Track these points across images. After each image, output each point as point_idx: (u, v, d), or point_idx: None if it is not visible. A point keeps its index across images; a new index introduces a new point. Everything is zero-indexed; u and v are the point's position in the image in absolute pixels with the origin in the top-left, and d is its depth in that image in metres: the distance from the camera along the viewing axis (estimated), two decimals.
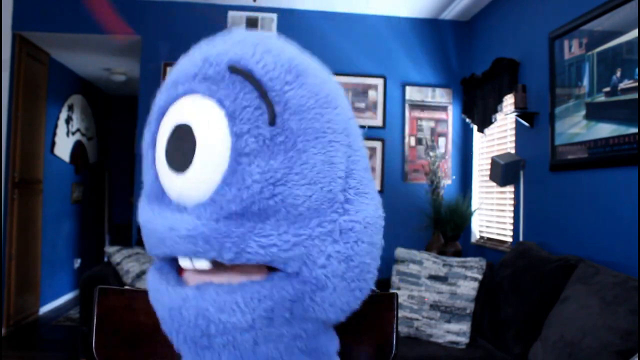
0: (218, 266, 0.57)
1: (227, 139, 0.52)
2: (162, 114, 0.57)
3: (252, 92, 0.53)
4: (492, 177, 3.01)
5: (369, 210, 0.60)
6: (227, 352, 0.55)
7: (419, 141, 3.94)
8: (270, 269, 0.56)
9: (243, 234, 0.52)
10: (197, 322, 0.54)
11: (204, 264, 0.55)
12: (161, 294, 0.57)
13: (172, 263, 0.61)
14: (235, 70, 0.54)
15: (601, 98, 2.27)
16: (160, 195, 0.57)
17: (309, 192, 0.54)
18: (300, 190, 0.53)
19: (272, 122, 0.53)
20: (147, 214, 0.59)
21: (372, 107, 3.89)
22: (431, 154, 3.69)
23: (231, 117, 0.52)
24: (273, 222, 0.53)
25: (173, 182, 0.55)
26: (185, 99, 0.55)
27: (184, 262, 0.56)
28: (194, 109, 0.54)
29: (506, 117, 3.25)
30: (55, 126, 4.79)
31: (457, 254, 3.33)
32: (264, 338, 0.55)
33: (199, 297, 0.54)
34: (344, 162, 0.57)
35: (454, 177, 3.93)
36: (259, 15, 3.83)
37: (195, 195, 0.53)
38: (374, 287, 0.63)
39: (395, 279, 2.62)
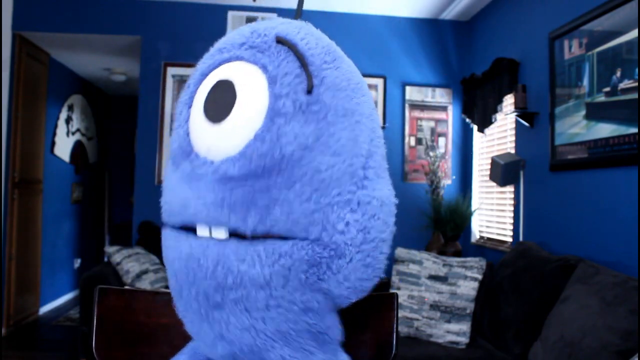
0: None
1: (265, 98, 0.55)
2: (204, 76, 0.61)
3: (294, 62, 0.57)
4: (492, 177, 3.01)
5: (385, 191, 0.63)
6: (237, 314, 0.56)
7: (419, 141, 3.94)
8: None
9: (267, 203, 0.54)
10: (215, 270, 0.55)
11: (222, 234, 0.56)
12: (180, 243, 0.59)
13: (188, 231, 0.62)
14: (282, 41, 0.58)
15: (601, 98, 2.27)
16: (189, 151, 0.59)
17: (332, 161, 0.57)
18: (325, 158, 0.56)
19: (309, 90, 0.56)
20: (172, 180, 0.61)
21: None
22: (431, 154, 3.69)
23: (272, 79, 0.56)
24: (298, 187, 0.55)
25: (206, 133, 0.57)
26: (230, 64, 0.59)
27: (202, 231, 0.57)
28: (238, 70, 0.58)
29: (506, 117, 3.25)
30: (55, 126, 4.79)
31: (457, 254, 3.33)
32: (276, 301, 0.56)
33: (221, 245, 0.55)
34: (366, 143, 0.61)
35: (454, 177, 3.93)
36: (259, 15, 3.83)
37: (226, 148, 0.55)
38: (383, 275, 0.65)
39: (395, 279, 2.62)
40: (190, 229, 0.59)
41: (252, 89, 0.56)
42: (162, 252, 0.63)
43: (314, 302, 0.58)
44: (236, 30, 0.63)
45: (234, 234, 0.56)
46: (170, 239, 0.61)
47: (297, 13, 0.71)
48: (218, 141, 0.56)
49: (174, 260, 0.60)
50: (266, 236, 0.56)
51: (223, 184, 0.55)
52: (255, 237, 0.56)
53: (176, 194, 0.60)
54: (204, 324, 0.58)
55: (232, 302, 0.56)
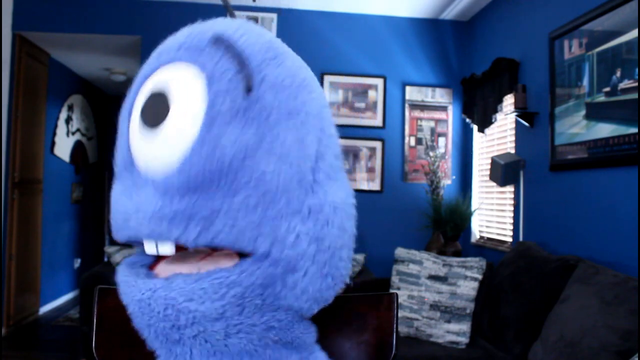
0: (186, 255, 0.56)
1: (202, 102, 0.52)
2: (142, 83, 0.58)
3: (231, 61, 0.54)
4: (492, 177, 3.01)
5: (339, 195, 0.59)
6: (199, 346, 0.55)
7: (419, 141, 3.94)
8: (242, 257, 0.55)
9: (209, 214, 0.51)
10: (166, 312, 0.53)
11: (168, 249, 0.54)
12: (130, 287, 0.56)
13: (143, 257, 0.60)
14: (218, 39, 0.55)
15: (601, 98, 2.27)
16: (129, 166, 0.57)
17: (277, 166, 0.53)
18: (270, 163, 0.53)
19: (248, 90, 0.53)
20: (115, 194, 0.59)
21: (372, 107, 3.89)
22: (431, 154, 3.69)
23: (209, 81, 0.52)
24: (241, 196, 0.51)
25: (144, 143, 0.54)
26: (167, 67, 0.56)
27: (149, 247, 0.55)
28: (174, 73, 0.54)
29: (506, 117, 3.25)
30: (55, 126, 4.79)
31: (457, 254, 3.33)
32: (236, 329, 0.54)
33: (166, 286, 0.53)
34: (315, 144, 0.57)
35: (454, 177, 3.93)
36: (259, 15, 3.83)
37: (164, 157, 0.52)
38: (348, 280, 0.62)
39: (395, 279, 2.62)
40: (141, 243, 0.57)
41: (188, 94, 0.52)
42: (119, 289, 0.61)
43: (275, 321, 0.56)
44: (176, 34, 0.60)
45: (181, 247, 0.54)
46: (122, 285, 0.59)
47: (229, 11, 0.69)
48: (156, 151, 0.53)
49: (128, 302, 0.58)
50: (202, 250, 0.53)
51: (162, 195, 0.52)
52: (202, 261, 0.54)
53: (118, 207, 0.57)
54: (169, 355, 0.57)
55: (190, 337, 0.54)
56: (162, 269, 0.58)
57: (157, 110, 0.53)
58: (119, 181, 0.59)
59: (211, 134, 0.51)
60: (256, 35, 0.58)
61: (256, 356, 0.56)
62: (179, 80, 0.53)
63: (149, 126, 0.53)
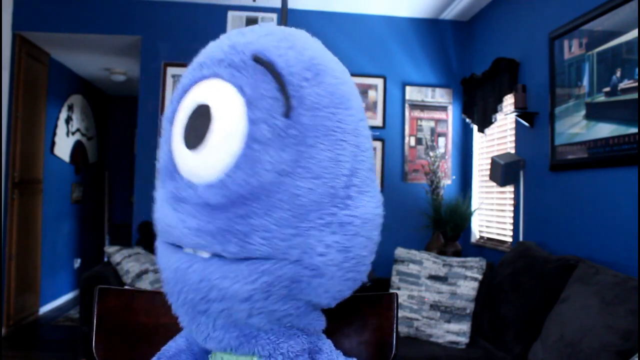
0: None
1: (243, 123, 0.54)
2: (185, 92, 0.60)
3: (271, 83, 0.55)
4: (492, 177, 3.01)
5: (369, 207, 0.61)
6: (222, 319, 0.58)
7: (419, 141, 3.94)
8: None
9: (247, 231, 0.55)
10: (200, 284, 0.56)
11: (205, 255, 0.58)
12: (170, 255, 0.60)
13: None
14: (259, 60, 0.56)
15: (601, 98, 2.27)
16: (172, 172, 0.59)
17: (312, 185, 0.56)
18: (304, 182, 0.55)
19: (287, 114, 0.55)
20: (159, 198, 0.62)
21: (372, 107, 3.90)
22: (431, 154, 3.69)
23: (249, 103, 0.54)
24: (277, 214, 0.55)
25: (186, 160, 0.57)
26: (209, 82, 0.58)
27: (187, 250, 0.59)
28: (215, 92, 0.57)
29: (506, 117, 3.25)
30: (55, 126, 4.79)
31: (457, 254, 3.33)
32: (258, 311, 0.57)
33: (205, 262, 0.57)
34: (349, 161, 0.59)
35: (454, 177, 3.93)
36: (259, 15, 3.83)
37: (205, 175, 0.55)
38: (365, 279, 0.65)
39: (395, 279, 2.62)
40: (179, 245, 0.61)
41: (229, 115, 0.55)
42: (156, 259, 0.65)
43: (294, 309, 0.60)
44: (217, 42, 0.62)
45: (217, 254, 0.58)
46: (161, 250, 0.63)
47: (283, 19, 0.70)
48: (197, 168, 0.56)
49: (164, 269, 0.62)
50: (248, 257, 0.57)
51: (204, 210, 0.56)
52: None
53: (163, 214, 0.61)
54: (193, 325, 0.61)
55: (216, 312, 0.58)
56: None
57: (199, 131, 0.55)
58: (162, 187, 0.62)
59: (251, 154, 0.54)
60: (297, 53, 0.58)
61: (271, 333, 0.60)
62: (220, 99, 0.56)
63: (191, 142, 0.56)
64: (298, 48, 0.59)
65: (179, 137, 0.58)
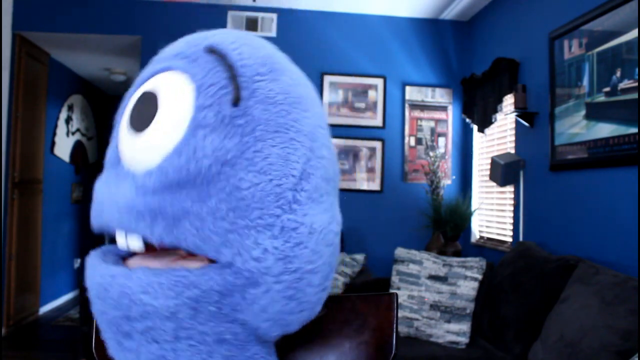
0: (161, 254, 0.57)
1: (189, 110, 0.53)
2: (137, 88, 0.60)
3: (222, 73, 0.55)
4: (492, 177, 3.01)
5: (320, 218, 0.58)
6: (146, 344, 0.54)
7: (418, 141, 3.94)
8: (210, 262, 0.55)
9: (178, 213, 0.52)
10: (120, 300, 0.53)
11: (136, 243, 0.55)
12: (93, 269, 0.57)
13: (116, 249, 0.61)
14: (211, 50, 0.56)
15: (601, 98, 2.27)
16: (116, 162, 0.59)
17: (256, 179, 0.53)
18: (248, 175, 0.53)
19: (235, 103, 0.54)
20: (97, 185, 0.60)
21: (372, 107, 3.90)
22: (431, 154, 3.69)
23: (198, 90, 0.54)
24: (213, 203, 0.52)
25: (130, 144, 0.56)
26: (161, 74, 0.58)
27: (120, 239, 0.56)
28: (165, 81, 0.56)
29: (506, 117, 3.25)
30: (55, 126, 4.79)
31: (457, 254, 3.33)
32: (186, 333, 0.53)
33: (126, 275, 0.53)
34: (300, 163, 0.57)
35: (454, 177, 3.93)
36: (259, 15, 3.83)
37: (146, 159, 0.54)
38: (319, 308, 0.59)
39: (395, 279, 2.62)
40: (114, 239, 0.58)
41: (176, 101, 0.54)
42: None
43: (229, 334, 0.54)
44: (176, 41, 0.62)
45: (147, 244, 0.55)
46: (88, 267, 0.60)
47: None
48: (139, 152, 0.55)
49: (89, 288, 0.58)
50: (177, 252, 0.54)
51: (139, 192, 0.54)
52: (166, 260, 0.54)
53: (97, 197, 0.59)
54: (118, 349, 0.56)
55: (139, 333, 0.54)
56: (133, 262, 0.59)
57: (145, 111, 0.55)
58: (103, 174, 0.61)
59: (193, 139, 0.52)
60: (253, 49, 0.58)
61: None
62: (169, 86, 0.55)
63: (136, 125, 0.55)
64: (254, 45, 0.59)
65: (125, 123, 0.57)
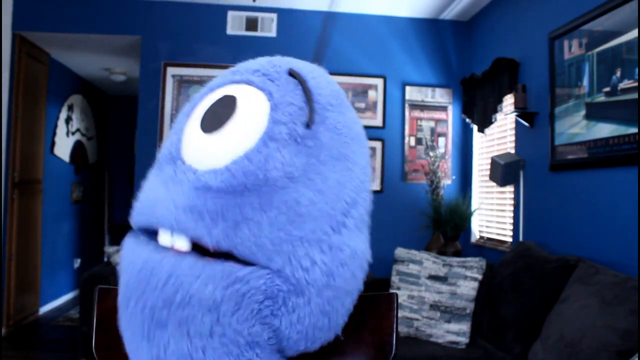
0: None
1: (264, 121, 0.56)
2: (211, 91, 0.62)
3: (300, 96, 0.59)
4: (492, 177, 3.01)
5: (360, 245, 0.61)
6: (178, 337, 0.53)
7: (418, 141, 3.94)
8: None
9: (238, 219, 0.53)
10: (166, 283, 0.53)
11: (183, 243, 0.55)
12: (139, 249, 0.57)
13: (152, 237, 0.60)
14: (293, 74, 0.61)
15: (601, 98, 2.27)
16: (174, 157, 0.59)
17: (315, 198, 0.56)
18: (308, 193, 0.56)
19: (308, 125, 0.58)
20: (150, 182, 0.61)
21: (372, 107, 3.90)
22: (431, 154, 3.69)
23: (275, 106, 0.57)
24: (274, 214, 0.54)
25: (198, 141, 0.57)
26: (239, 85, 0.60)
27: (164, 238, 0.56)
28: (243, 91, 0.59)
29: (506, 117, 3.25)
30: (55, 126, 4.79)
31: (457, 254, 3.33)
32: (222, 329, 0.53)
33: (177, 257, 0.54)
34: (353, 191, 0.61)
35: (454, 177, 3.93)
36: (259, 15, 3.83)
37: (214, 159, 0.55)
38: (339, 332, 0.61)
39: (395, 279, 2.62)
40: (154, 234, 0.58)
41: (254, 110, 0.57)
42: (120, 260, 0.61)
43: (261, 337, 0.55)
44: (256, 59, 0.66)
45: (196, 249, 0.54)
46: (129, 245, 0.59)
47: (318, 57, 0.74)
48: (207, 151, 0.56)
49: (128, 266, 0.57)
50: (228, 256, 0.53)
51: (199, 192, 0.54)
52: (216, 255, 0.54)
53: (150, 194, 0.59)
54: (144, 342, 0.55)
55: (176, 323, 0.53)
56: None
57: (220, 116, 0.57)
58: (157, 171, 0.61)
59: (266, 149, 0.55)
60: (328, 82, 0.64)
61: None
62: (247, 95, 0.59)
63: (210, 125, 0.57)
64: (328, 79, 0.65)
65: (196, 121, 0.59)
